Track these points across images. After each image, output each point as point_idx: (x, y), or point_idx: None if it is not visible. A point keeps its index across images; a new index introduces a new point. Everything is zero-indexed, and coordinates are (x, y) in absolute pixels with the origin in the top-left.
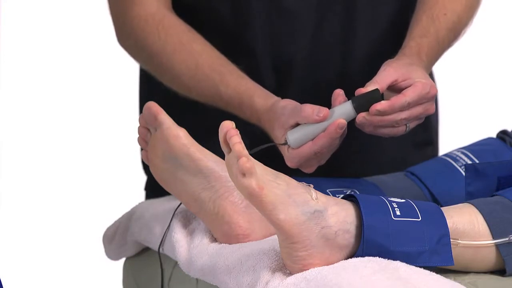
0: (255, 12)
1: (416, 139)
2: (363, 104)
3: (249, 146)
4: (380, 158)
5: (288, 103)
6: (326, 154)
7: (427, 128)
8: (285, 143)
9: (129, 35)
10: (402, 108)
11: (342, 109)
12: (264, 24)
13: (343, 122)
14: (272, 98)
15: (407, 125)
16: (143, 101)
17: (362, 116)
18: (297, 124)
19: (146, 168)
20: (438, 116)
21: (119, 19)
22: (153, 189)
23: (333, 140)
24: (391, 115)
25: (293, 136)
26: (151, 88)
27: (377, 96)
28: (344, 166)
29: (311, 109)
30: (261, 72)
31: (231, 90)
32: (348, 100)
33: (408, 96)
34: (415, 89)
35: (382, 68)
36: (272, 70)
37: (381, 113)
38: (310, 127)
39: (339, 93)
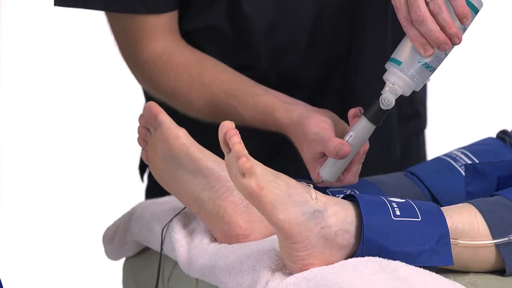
0: (255, 31)
1: (401, 113)
2: (378, 113)
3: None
4: None
5: (320, 129)
6: (356, 182)
7: (412, 101)
8: (322, 181)
9: (144, 80)
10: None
11: (360, 128)
12: (265, 40)
13: (367, 147)
14: (293, 111)
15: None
16: (147, 101)
17: None
18: (324, 154)
19: (142, 173)
20: (426, 90)
21: (131, 66)
22: (153, 195)
23: (361, 165)
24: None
25: (326, 173)
26: None
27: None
28: None
29: (333, 146)
30: (268, 79)
31: (251, 111)
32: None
33: None
34: None
35: None
36: (278, 77)
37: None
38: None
39: (353, 115)
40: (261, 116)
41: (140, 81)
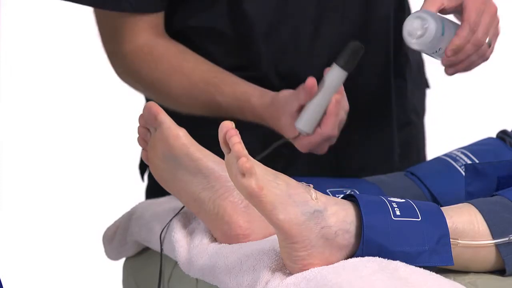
0: (256, 31)
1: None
2: (349, 59)
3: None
4: (363, 141)
5: (287, 92)
6: (335, 134)
7: (405, 109)
8: (298, 135)
9: (124, 71)
10: (471, 32)
11: (332, 75)
12: (266, 41)
13: (339, 97)
14: (268, 94)
15: (488, 42)
16: (148, 101)
17: (446, 60)
18: (301, 107)
19: (142, 173)
20: (424, 96)
21: (113, 57)
22: (153, 195)
23: (338, 117)
24: (467, 44)
25: (302, 123)
26: None
27: (357, 46)
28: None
29: (304, 84)
30: (269, 80)
31: (228, 98)
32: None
33: (467, 19)
34: (469, 8)
35: None
36: (278, 77)
37: (458, 48)
38: (312, 107)
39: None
40: (238, 103)
41: (119, 73)
